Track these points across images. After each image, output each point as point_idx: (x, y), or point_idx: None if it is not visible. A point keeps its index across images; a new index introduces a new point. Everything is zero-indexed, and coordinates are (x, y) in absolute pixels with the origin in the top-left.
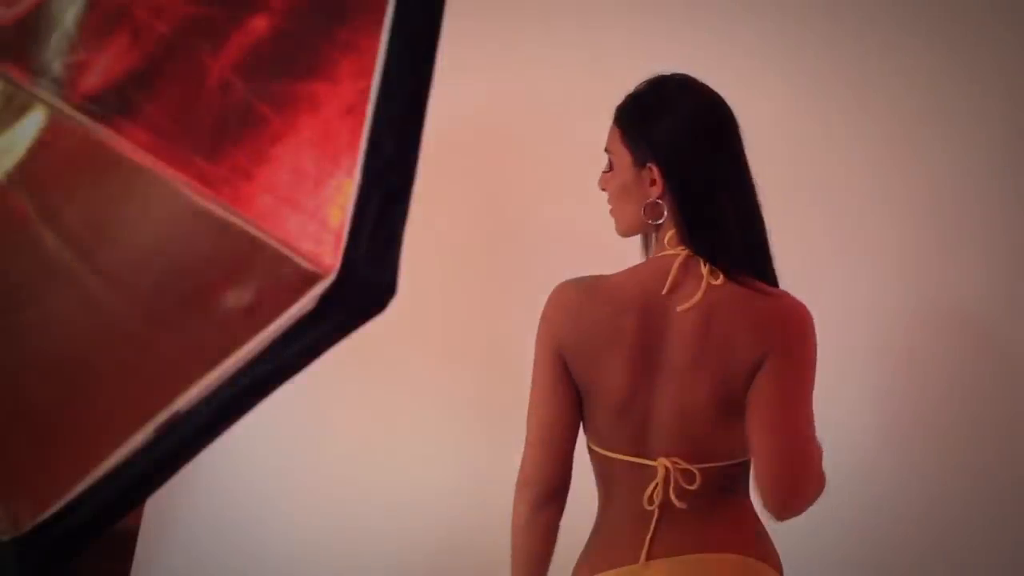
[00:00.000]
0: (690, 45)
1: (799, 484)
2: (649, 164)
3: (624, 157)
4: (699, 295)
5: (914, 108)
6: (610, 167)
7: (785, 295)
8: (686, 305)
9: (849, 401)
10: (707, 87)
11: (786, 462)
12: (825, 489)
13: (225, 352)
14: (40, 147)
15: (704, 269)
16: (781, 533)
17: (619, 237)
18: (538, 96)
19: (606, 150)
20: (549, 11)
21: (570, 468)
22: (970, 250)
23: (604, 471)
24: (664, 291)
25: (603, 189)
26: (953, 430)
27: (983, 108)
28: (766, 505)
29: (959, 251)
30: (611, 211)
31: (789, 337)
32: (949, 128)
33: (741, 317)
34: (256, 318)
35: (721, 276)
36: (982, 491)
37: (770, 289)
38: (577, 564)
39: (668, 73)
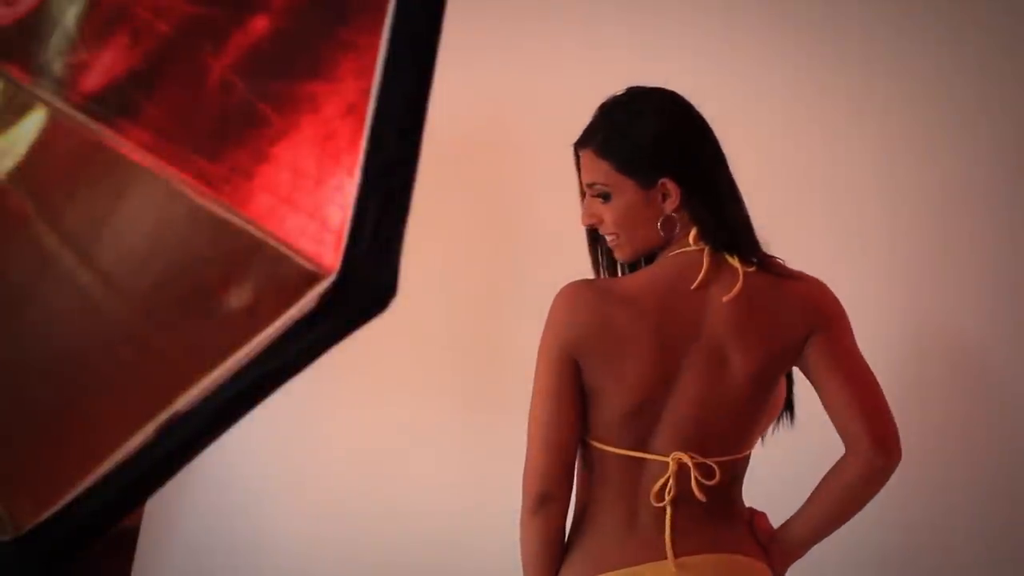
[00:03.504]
0: (693, 46)
1: (891, 421)
2: (661, 180)
3: (624, 185)
4: (740, 284)
5: (916, 115)
6: (603, 200)
7: (804, 275)
8: (731, 294)
9: None
10: (663, 90)
11: (876, 400)
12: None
13: (225, 352)
14: (40, 147)
15: (734, 259)
16: None
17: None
18: (538, 96)
19: (591, 185)
20: (549, 11)
21: (572, 471)
22: (968, 267)
23: (598, 467)
24: (694, 286)
25: (593, 225)
26: (946, 437)
27: (984, 117)
28: (871, 450)
29: (956, 268)
30: (612, 240)
31: (830, 312)
32: (950, 135)
33: (781, 300)
34: (256, 318)
35: (753, 264)
36: (977, 496)
37: (791, 270)
38: (565, 564)
39: (618, 94)
